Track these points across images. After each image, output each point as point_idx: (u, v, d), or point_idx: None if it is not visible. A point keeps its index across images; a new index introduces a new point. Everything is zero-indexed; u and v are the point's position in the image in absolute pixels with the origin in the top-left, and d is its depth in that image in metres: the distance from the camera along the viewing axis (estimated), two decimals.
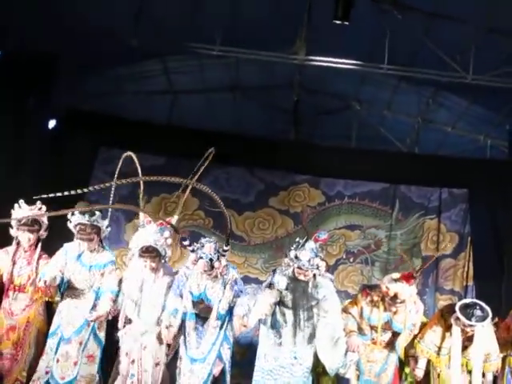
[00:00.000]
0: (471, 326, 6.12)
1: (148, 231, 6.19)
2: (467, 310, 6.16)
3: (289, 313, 6.23)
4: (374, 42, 8.48)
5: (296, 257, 6.06)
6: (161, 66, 9.95)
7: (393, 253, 9.67)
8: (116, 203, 7.06)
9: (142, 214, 6.55)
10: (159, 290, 6.16)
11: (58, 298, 6.52)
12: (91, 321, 6.14)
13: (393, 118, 9.69)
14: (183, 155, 8.62)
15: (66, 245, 6.46)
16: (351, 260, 9.59)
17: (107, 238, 6.85)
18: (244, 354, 7.88)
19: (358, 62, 8.82)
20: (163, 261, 6.21)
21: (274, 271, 6.34)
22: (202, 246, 6.03)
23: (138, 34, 8.20)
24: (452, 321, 6.25)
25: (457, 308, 6.20)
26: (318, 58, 8.77)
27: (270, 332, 6.24)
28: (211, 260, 5.94)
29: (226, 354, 6.16)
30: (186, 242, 6.09)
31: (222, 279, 6.12)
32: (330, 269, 8.69)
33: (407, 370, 6.78)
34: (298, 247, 6.11)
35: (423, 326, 6.54)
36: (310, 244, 6.15)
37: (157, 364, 6.11)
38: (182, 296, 6.11)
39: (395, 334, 6.36)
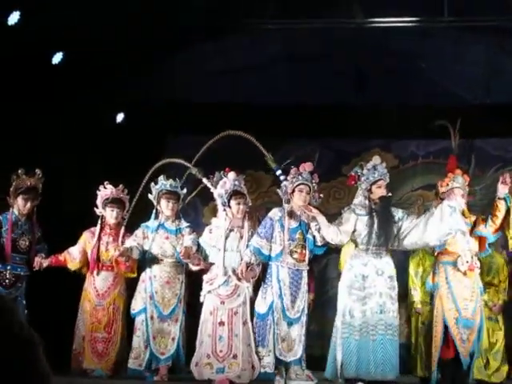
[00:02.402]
0: None
1: (230, 178, 6.17)
2: None
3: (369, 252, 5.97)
4: None
5: (374, 167, 5.97)
6: (217, 46, 9.69)
7: (472, 209, 9.22)
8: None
9: (207, 182, 6.46)
10: (245, 234, 6.14)
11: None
12: (181, 256, 6.12)
13: (459, 72, 9.22)
14: (251, 132, 8.44)
15: (143, 224, 6.56)
16: None
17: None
18: None
19: (417, 18, 8.38)
20: (247, 208, 6.22)
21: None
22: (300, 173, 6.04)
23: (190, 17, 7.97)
24: None
25: None
26: (375, 20, 8.42)
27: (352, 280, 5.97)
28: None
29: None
30: (279, 172, 6.15)
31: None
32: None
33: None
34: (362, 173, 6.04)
35: None
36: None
37: (244, 323, 6.02)
38: (268, 239, 6.00)
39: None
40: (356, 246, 6.09)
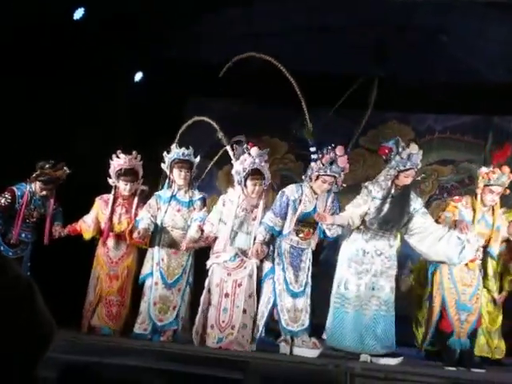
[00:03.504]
0: None
1: (252, 154, 5.96)
2: None
3: (370, 234, 5.95)
4: None
5: (409, 156, 5.77)
6: (242, 11, 9.54)
7: None
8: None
9: (230, 150, 6.34)
10: (259, 217, 6.00)
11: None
12: (184, 250, 6.16)
13: (482, 48, 9.02)
14: (272, 99, 8.34)
15: (157, 192, 6.44)
16: (445, 195, 9.08)
17: (200, 187, 6.76)
18: None
19: None
20: (264, 186, 6.06)
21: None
22: (334, 148, 5.91)
23: None
24: None
25: None
26: None
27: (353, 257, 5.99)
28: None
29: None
30: (313, 148, 5.93)
31: (327, 197, 6.02)
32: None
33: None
34: (394, 155, 5.84)
35: None
36: (402, 143, 5.94)
37: (249, 296, 6.01)
38: (282, 217, 5.92)
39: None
40: (363, 223, 6.02)
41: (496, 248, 6.26)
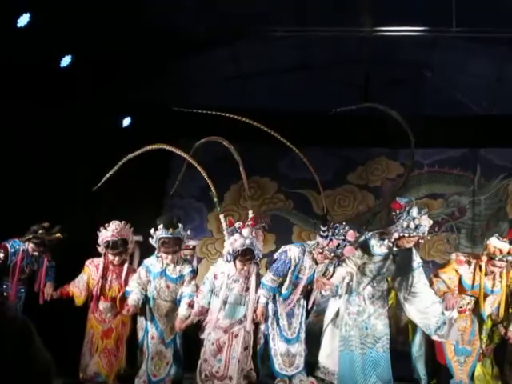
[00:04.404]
0: None
1: (243, 234, 5.86)
2: None
3: (366, 281, 6.01)
4: (440, 5, 7.83)
5: (416, 227, 5.72)
6: (229, 53, 9.53)
7: (478, 219, 9.15)
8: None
9: (223, 221, 6.21)
10: (250, 288, 5.94)
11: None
12: (178, 330, 6.12)
13: (466, 82, 9.07)
14: (258, 138, 8.28)
15: (145, 261, 6.31)
16: (436, 229, 8.98)
17: (192, 230, 6.61)
18: None
19: (426, 28, 8.25)
20: (257, 258, 5.95)
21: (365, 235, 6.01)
22: (345, 234, 5.76)
23: (202, 23, 7.82)
24: None
25: None
26: (384, 29, 8.29)
27: (350, 300, 6.05)
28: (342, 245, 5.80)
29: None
30: (324, 228, 5.84)
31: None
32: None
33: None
34: (404, 217, 5.76)
35: None
36: (415, 210, 5.81)
37: (245, 348, 5.94)
38: (283, 276, 5.92)
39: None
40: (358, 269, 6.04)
41: (488, 310, 6.20)
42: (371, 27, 8.10)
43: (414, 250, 6.01)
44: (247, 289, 5.93)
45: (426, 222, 5.82)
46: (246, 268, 5.89)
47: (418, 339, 6.42)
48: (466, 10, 7.77)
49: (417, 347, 6.43)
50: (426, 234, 5.87)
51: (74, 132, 7.96)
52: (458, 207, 9.24)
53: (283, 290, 5.98)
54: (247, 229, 5.87)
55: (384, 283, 6.09)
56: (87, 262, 6.45)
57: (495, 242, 6.03)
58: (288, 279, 5.94)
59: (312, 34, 8.47)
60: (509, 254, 5.99)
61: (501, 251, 5.97)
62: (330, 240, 5.74)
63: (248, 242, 5.80)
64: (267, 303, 5.98)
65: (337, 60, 9.44)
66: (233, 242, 5.84)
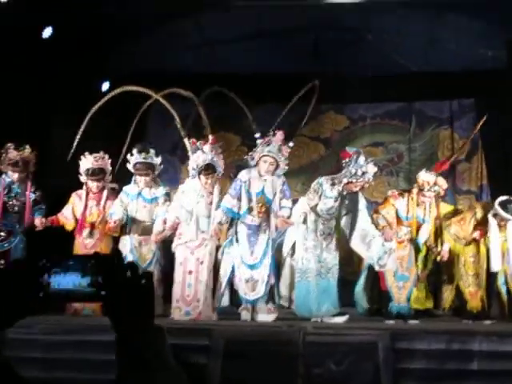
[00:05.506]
0: (509, 219, 6.11)
1: (205, 151, 6.13)
2: (506, 205, 6.13)
3: (322, 220, 6.20)
4: None
5: (363, 173, 6.00)
6: (193, 23, 9.60)
7: (414, 163, 9.51)
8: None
9: (187, 143, 6.47)
10: (215, 202, 6.12)
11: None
12: (154, 242, 6.31)
13: (401, 43, 9.27)
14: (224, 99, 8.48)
15: (125, 188, 6.58)
16: (378, 173, 9.36)
17: (166, 180, 6.84)
18: None
19: None
20: (218, 174, 6.22)
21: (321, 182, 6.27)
22: (268, 145, 6.05)
23: None
24: (490, 216, 6.22)
25: (496, 204, 6.17)
26: None
27: (304, 236, 6.23)
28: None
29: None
30: (258, 135, 6.10)
31: (276, 179, 6.11)
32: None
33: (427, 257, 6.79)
34: (352, 165, 6.04)
35: (450, 213, 6.59)
36: (362, 159, 6.11)
37: (210, 271, 6.14)
38: (238, 199, 6.06)
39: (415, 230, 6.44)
40: (312, 209, 6.30)
41: (422, 238, 6.55)
42: None
43: (360, 194, 6.31)
44: (211, 203, 6.18)
45: (371, 170, 6.16)
46: (209, 182, 6.13)
47: (364, 271, 6.78)
48: None
49: (363, 277, 6.80)
50: (371, 180, 6.20)
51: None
52: (396, 154, 9.62)
53: (241, 210, 6.11)
54: (208, 145, 6.17)
55: (333, 221, 6.35)
56: (73, 194, 6.72)
57: (423, 175, 6.41)
58: (243, 200, 6.10)
59: (266, 4, 8.64)
60: (435, 184, 6.35)
61: (428, 183, 6.35)
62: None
63: (209, 157, 6.11)
64: (227, 223, 6.18)
65: (288, 27, 9.58)
66: (196, 159, 6.15)
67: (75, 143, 6.69)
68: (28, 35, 7.33)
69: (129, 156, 6.53)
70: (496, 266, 6.30)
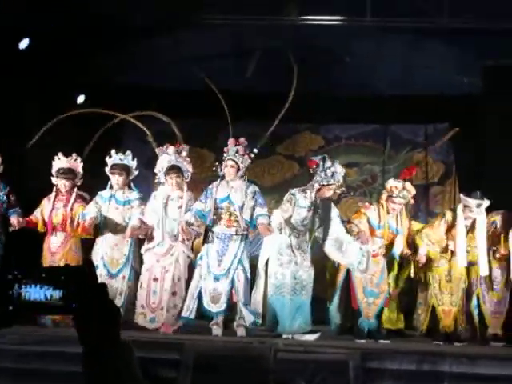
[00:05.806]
0: (479, 204, 6.16)
1: (169, 152, 6.26)
2: (471, 194, 6.28)
3: (296, 233, 6.19)
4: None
5: (333, 174, 6.05)
6: (171, 40, 9.59)
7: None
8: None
9: (157, 150, 6.56)
10: (184, 204, 6.17)
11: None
12: (127, 237, 6.30)
13: (378, 66, 9.36)
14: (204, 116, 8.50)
15: (100, 192, 6.65)
16: (351, 194, 9.44)
17: (140, 193, 6.83)
18: None
19: (344, 18, 8.59)
20: (186, 177, 6.29)
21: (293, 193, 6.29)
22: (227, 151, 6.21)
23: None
24: (458, 211, 6.28)
25: (461, 196, 6.41)
26: (307, 17, 8.58)
27: (279, 251, 6.19)
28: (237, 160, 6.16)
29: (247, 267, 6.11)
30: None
31: (245, 187, 6.14)
32: (334, 202, 8.57)
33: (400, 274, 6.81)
34: (320, 169, 6.13)
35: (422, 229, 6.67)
36: (328, 161, 6.20)
37: (179, 279, 6.14)
38: (206, 203, 6.11)
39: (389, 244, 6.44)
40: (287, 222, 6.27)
41: (398, 249, 6.52)
42: (296, 16, 8.35)
43: (332, 204, 6.34)
44: (180, 206, 6.24)
45: (339, 169, 6.22)
46: (175, 183, 6.21)
47: (337, 289, 6.75)
48: (379, 3, 8.14)
49: (337, 295, 6.77)
50: (341, 182, 6.22)
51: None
52: (370, 175, 9.71)
53: (209, 217, 6.10)
54: (172, 147, 6.29)
55: (307, 234, 6.34)
56: (44, 198, 6.74)
57: (391, 182, 6.48)
58: (209, 204, 6.12)
59: (242, 22, 8.67)
60: (404, 189, 6.39)
61: (396, 187, 6.39)
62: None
63: (173, 157, 6.21)
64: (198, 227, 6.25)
65: (266, 46, 9.62)
66: (161, 162, 6.28)
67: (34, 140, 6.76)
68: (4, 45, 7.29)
69: (107, 158, 6.57)
70: (472, 268, 6.44)
